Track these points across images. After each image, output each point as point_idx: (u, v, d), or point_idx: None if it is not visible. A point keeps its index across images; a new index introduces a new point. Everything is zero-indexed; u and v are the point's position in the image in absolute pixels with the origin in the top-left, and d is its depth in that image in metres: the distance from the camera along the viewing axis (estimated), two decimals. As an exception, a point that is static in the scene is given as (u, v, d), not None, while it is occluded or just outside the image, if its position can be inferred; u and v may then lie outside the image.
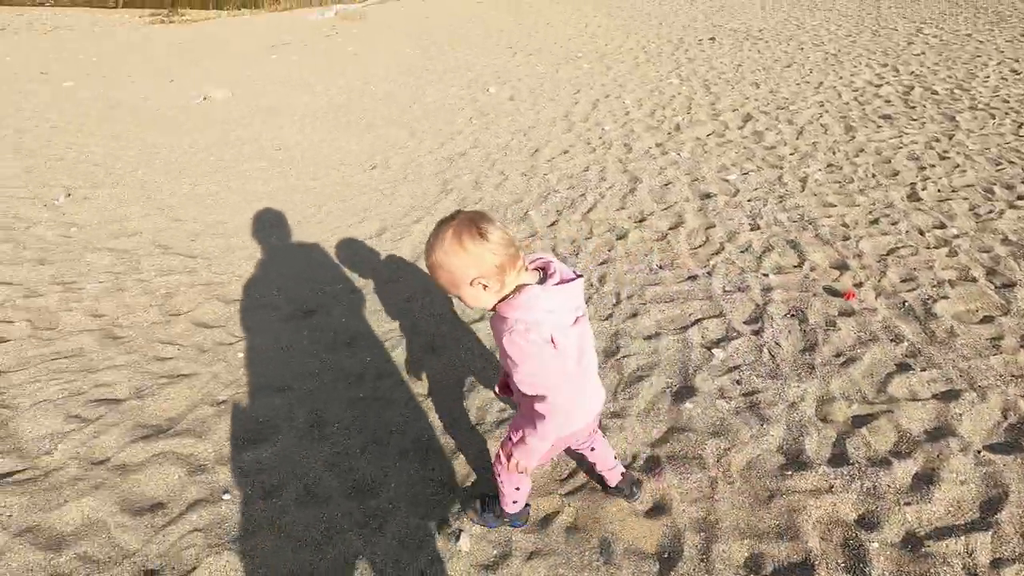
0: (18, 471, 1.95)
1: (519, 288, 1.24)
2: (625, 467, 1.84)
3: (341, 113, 5.81)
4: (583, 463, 1.94)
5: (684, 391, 2.23)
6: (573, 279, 1.29)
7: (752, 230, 3.34)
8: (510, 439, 1.43)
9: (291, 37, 10.01)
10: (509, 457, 1.42)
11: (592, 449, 1.69)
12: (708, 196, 3.77)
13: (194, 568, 1.66)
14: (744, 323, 2.59)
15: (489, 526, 1.75)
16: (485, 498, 1.78)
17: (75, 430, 2.10)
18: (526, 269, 1.28)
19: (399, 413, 2.20)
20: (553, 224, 3.51)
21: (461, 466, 1.96)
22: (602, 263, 3.11)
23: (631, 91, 6.13)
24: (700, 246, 3.23)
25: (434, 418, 2.17)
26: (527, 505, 1.75)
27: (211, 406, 2.24)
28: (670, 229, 3.40)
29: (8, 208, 3.79)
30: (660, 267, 3.05)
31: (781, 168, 4.15)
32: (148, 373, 2.40)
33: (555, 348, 1.24)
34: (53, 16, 12.52)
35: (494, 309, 1.27)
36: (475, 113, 5.66)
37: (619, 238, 3.33)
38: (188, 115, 5.86)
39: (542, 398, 1.28)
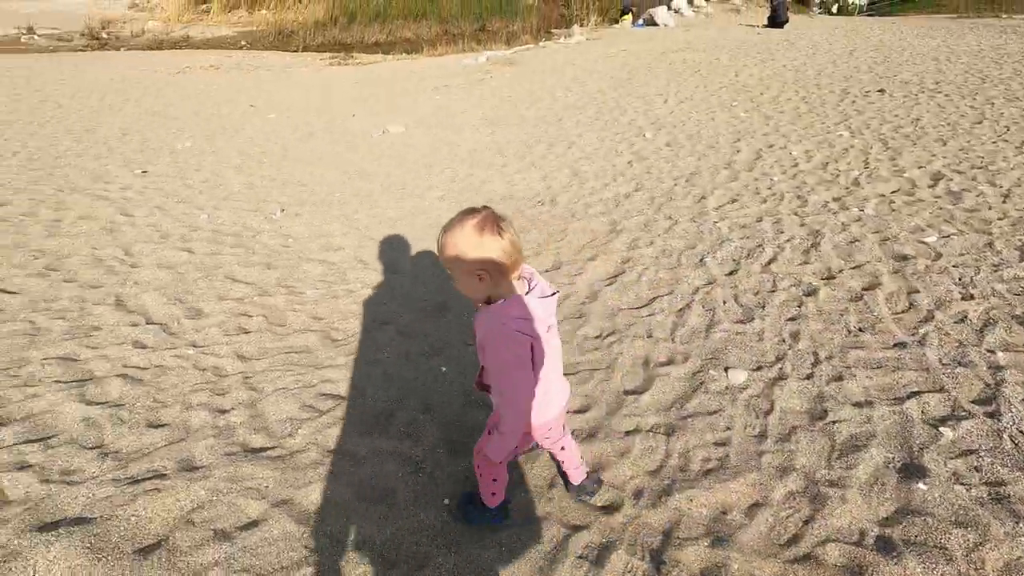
0: (269, 448, 2.22)
1: (509, 292, 1.39)
2: (590, 471, 1.99)
3: (503, 150, 6.18)
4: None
5: (911, 469, 2.04)
6: (550, 295, 1.45)
7: (965, 299, 3.04)
8: (488, 433, 1.66)
9: (449, 80, 10.89)
10: (481, 453, 1.66)
11: (562, 448, 1.81)
12: (904, 258, 3.49)
13: (424, 565, 1.78)
14: (973, 403, 2.34)
15: (471, 522, 1.86)
16: (468, 495, 1.90)
17: (310, 418, 2.37)
18: (519, 278, 1.41)
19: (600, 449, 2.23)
20: (732, 273, 3.44)
21: (669, 512, 1.93)
22: (792, 319, 2.97)
23: (796, 142, 5.91)
24: (904, 311, 2.98)
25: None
26: (507, 501, 1.86)
27: (421, 413, 2.42)
28: (864, 290, 3.19)
29: (238, 218, 4.44)
30: (860, 329, 2.86)
31: (989, 233, 3.75)
32: (364, 375, 2.65)
33: (532, 352, 1.39)
34: (253, 58, 14.68)
35: (483, 304, 1.43)
36: (633, 157, 5.75)
37: (807, 294, 3.18)
38: (371, 146, 6.53)
39: (507, 394, 1.44)
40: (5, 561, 1.73)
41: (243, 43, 18.77)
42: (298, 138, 6.90)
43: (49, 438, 2.23)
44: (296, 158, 6.09)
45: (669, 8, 19.32)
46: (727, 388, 2.49)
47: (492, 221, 1.33)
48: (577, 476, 1.91)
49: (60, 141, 6.76)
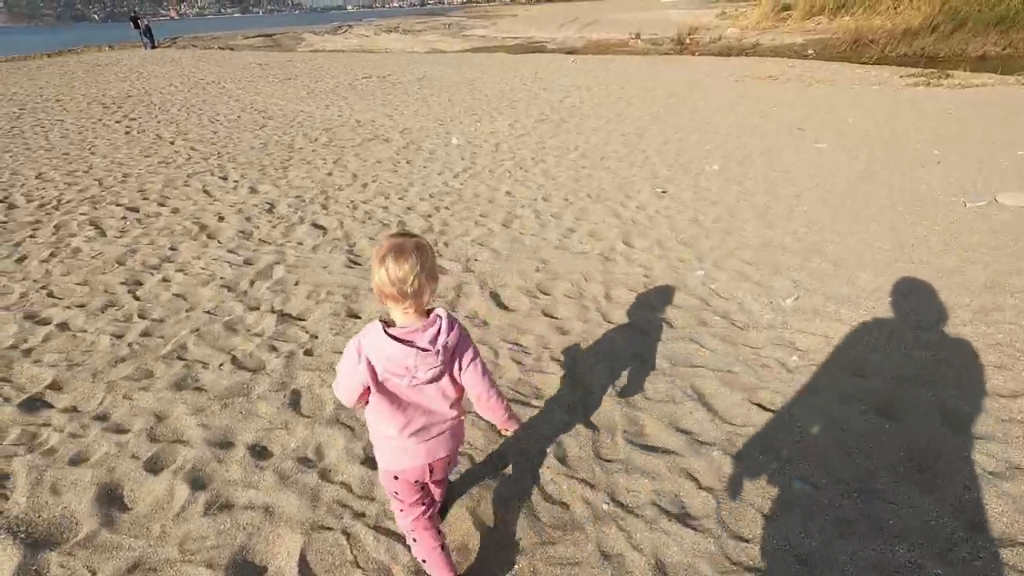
0: None
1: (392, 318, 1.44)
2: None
3: None
4: None
5: None
6: (419, 348, 1.39)
7: None
8: None
9: None
10: None
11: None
12: None
13: None
14: None
15: None
16: None
17: None
18: (407, 313, 1.40)
19: None
20: None
21: None
22: None
23: None
24: None
25: None
26: None
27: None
28: None
29: (737, 290, 3.43)
30: None
31: None
32: None
33: (365, 372, 1.40)
34: (817, 69, 13.18)
35: None
36: None
37: None
38: (960, 222, 4.37)
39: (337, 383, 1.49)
40: None
41: (810, 52, 17.40)
42: (847, 184, 5.32)
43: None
44: (838, 213, 4.60)
45: None
46: None
47: (388, 250, 1.36)
48: None
49: (611, 141, 7.30)
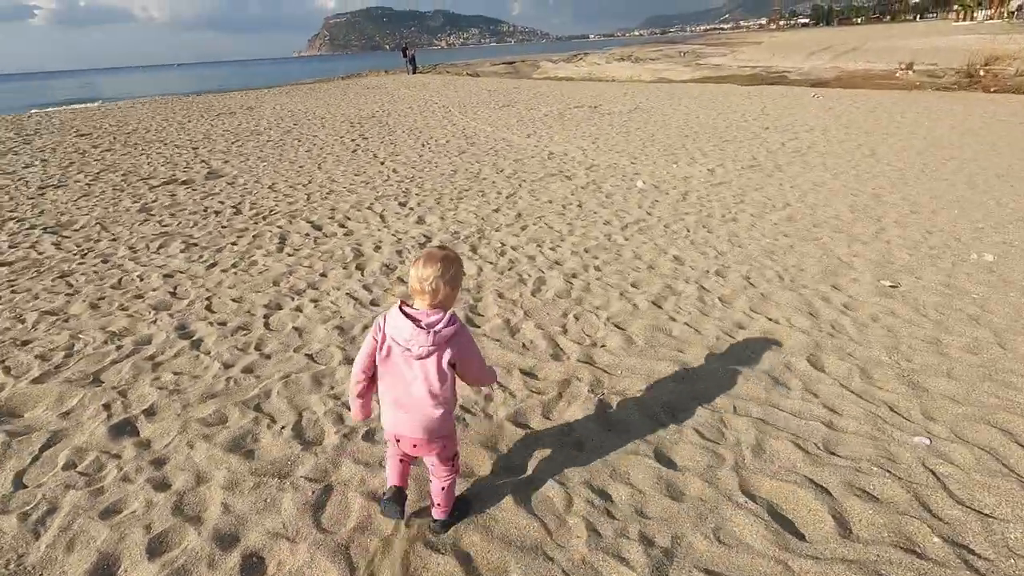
0: None
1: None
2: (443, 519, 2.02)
3: None
4: None
5: None
6: (415, 326, 1.77)
7: None
8: None
9: None
10: None
11: (429, 480, 2.04)
12: None
13: None
14: None
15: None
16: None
17: None
18: (423, 302, 1.82)
19: None
20: None
21: None
22: None
23: None
24: None
25: None
26: (395, 495, 2.02)
27: None
28: None
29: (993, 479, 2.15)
30: None
31: None
32: None
33: (375, 340, 1.85)
34: None
35: None
36: None
37: None
38: None
39: None
40: None
41: None
42: None
43: None
44: None
45: None
46: None
47: (420, 256, 1.83)
48: (435, 512, 2.04)
49: (834, 202, 5.81)
